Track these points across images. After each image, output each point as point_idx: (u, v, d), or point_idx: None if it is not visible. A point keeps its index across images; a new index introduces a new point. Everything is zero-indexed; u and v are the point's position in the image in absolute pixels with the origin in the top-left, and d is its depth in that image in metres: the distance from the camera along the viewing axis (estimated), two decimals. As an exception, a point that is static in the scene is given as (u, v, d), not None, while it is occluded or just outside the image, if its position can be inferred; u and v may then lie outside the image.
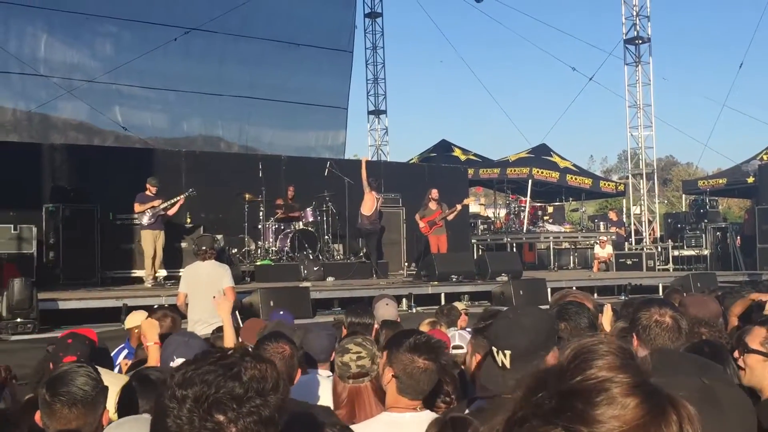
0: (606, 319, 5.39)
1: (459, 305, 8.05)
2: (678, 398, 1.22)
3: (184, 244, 15.48)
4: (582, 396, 1.19)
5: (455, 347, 5.17)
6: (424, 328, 6.22)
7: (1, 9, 20.14)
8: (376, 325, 6.03)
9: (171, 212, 14.28)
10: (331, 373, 4.55)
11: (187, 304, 8.49)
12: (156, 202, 13.85)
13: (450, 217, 16.38)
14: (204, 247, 8.78)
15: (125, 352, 6.04)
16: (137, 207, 13.98)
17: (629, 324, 3.87)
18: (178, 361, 3.95)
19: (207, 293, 8.38)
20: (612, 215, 26.26)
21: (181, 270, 14.65)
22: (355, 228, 17.07)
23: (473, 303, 13.60)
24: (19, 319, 9.67)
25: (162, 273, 14.15)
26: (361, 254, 17.21)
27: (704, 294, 5.47)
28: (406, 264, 18.03)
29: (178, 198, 14.25)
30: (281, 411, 1.56)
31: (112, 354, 6.14)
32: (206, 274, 8.64)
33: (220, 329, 5.87)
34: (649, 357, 2.70)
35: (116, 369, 5.14)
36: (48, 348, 5.19)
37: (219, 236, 14.33)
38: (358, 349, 3.68)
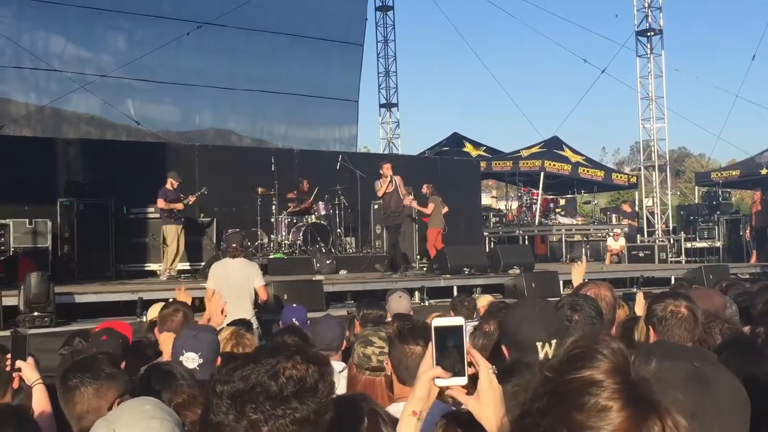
0: (639, 307, 5.49)
1: (487, 298, 8.03)
2: (665, 407, 1.20)
3: (203, 239, 15.57)
4: (569, 398, 1.19)
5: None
6: (431, 321, 6.23)
7: (14, 4, 20.28)
8: (388, 318, 6.07)
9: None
10: (343, 365, 4.56)
11: None
12: (179, 205, 13.81)
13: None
14: (234, 245, 8.95)
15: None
16: (161, 203, 13.86)
17: (645, 317, 3.86)
18: (187, 355, 3.95)
19: (237, 290, 8.51)
20: (626, 207, 26.20)
21: (198, 264, 14.81)
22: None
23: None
24: (36, 313, 9.72)
25: (179, 266, 14.21)
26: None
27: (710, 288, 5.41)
28: (418, 257, 18.04)
29: (192, 197, 14.21)
30: (320, 413, 1.57)
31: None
32: (237, 271, 8.78)
33: (233, 323, 5.88)
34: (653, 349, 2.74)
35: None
36: (80, 342, 5.17)
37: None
38: (382, 344, 3.64)
